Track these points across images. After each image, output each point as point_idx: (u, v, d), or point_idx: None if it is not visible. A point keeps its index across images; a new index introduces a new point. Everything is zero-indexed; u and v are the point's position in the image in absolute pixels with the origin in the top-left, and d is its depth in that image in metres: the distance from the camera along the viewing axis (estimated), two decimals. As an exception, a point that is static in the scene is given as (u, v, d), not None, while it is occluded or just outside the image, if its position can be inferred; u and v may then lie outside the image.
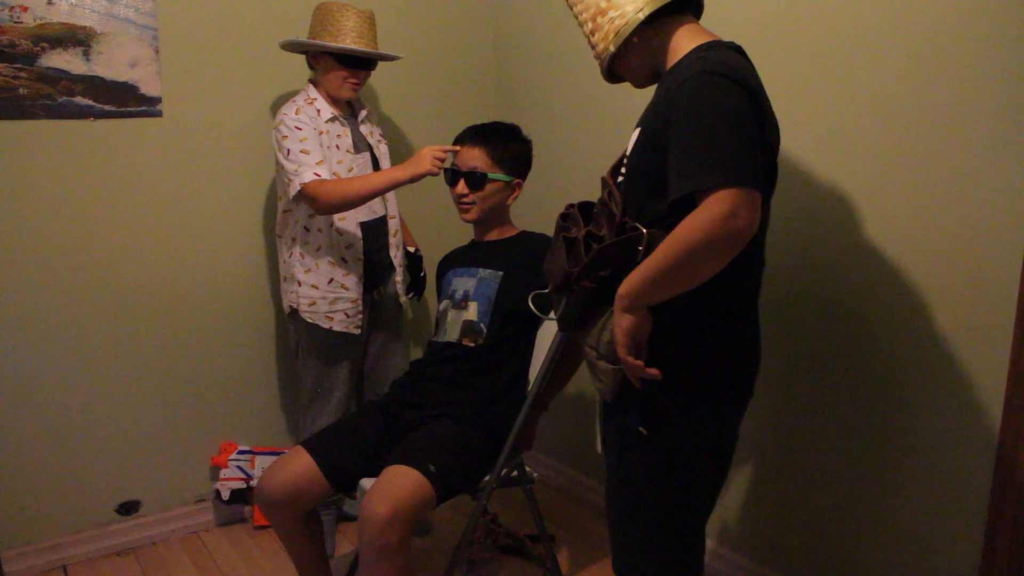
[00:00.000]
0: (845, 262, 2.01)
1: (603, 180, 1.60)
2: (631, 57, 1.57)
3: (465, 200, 2.20)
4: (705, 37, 1.51)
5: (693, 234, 1.32)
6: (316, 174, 2.25)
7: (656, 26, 1.52)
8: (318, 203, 2.26)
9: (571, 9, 1.64)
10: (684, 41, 1.51)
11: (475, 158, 2.19)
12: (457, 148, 2.22)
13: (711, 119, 1.35)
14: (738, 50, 1.51)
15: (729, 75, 1.37)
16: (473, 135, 2.23)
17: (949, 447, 1.85)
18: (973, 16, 1.71)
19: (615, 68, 1.61)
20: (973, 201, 1.75)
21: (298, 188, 2.25)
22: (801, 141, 2.04)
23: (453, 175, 2.21)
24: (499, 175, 2.20)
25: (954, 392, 1.83)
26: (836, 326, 2.05)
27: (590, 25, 1.58)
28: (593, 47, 1.60)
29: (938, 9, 1.76)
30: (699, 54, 1.45)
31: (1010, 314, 1.70)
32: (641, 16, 1.49)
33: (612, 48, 1.54)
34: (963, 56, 1.73)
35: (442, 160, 2.20)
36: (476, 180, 2.18)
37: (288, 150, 2.28)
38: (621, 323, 1.43)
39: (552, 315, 1.66)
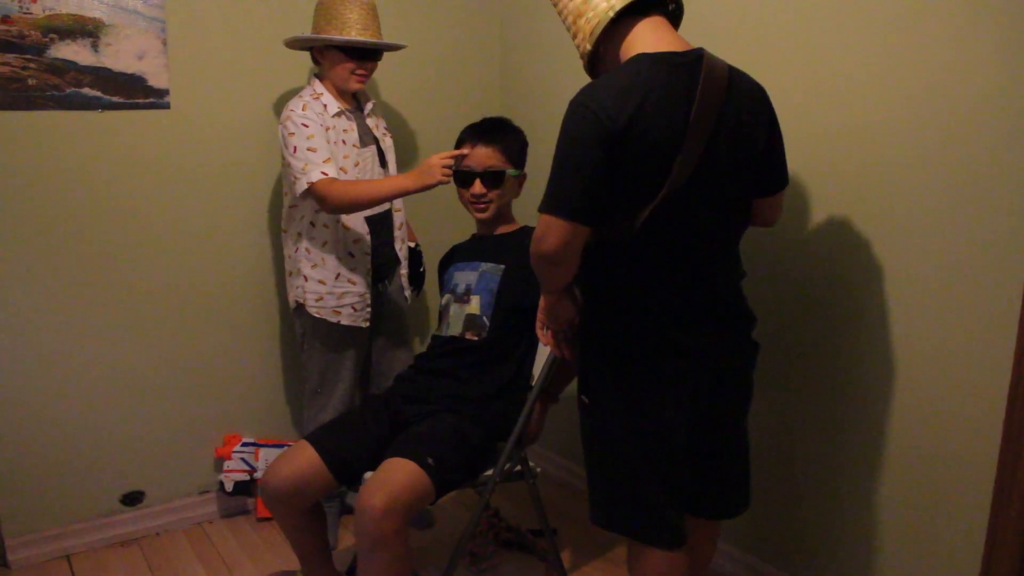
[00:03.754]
0: (842, 261, 2.00)
1: None
2: (606, 58, 1.65)
3: (484, 199, 2.19)
4: (654, 45, 1.57)
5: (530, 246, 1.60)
6: (323, 173, 2.24)
7: (620, 26, 1.60)
8: (325, 203, 2.25)
9: (559, 15, 1.72)
10: (635, 46, 1.59)
11: (490, 156, 2.18)
12: (465, 151, 2.20)
13: (560, 148, 1.53)
14: (662, 63, 1.53)
15: (591, 105, 1.49)
16: (482, 134, 2.21)
17: (951, 445, 1.84)
18: (974, 14, 1.70)
19: (596, 70, 1.69)
20: (976, 199, 1.74)
21: (305, 187, 2.25)
22: (797, 140, 2.03)
23: (466, 176, 2.19)
24: (512, 170, 2.21)
25: (956, 390, 1.82)
26: (835, 325, 2.04)
27: (572, 29, 1.67)
28: (576, 48, 1.68)
29: (937, 7, 1.75)
30: (599, 79, 1.58)
31: (1014, 310, 1.69)
32: (611, 14, 1.57)
33: (588, 47, 1.63)
34: (962, 52, 1.72)
35: (451, 168, 2.18)
36: (495, 178, 2.18)
37: (294, 147, 2.28)
38: (540, 301, 1.79)
39: None
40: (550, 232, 1.53)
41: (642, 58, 1.55)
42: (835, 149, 1.99)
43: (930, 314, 1.85)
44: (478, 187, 2.18)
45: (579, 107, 1.51)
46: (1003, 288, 1.71)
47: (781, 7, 2.07)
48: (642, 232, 1.56)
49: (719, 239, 1.66)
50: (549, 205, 1.54)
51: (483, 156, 2.18)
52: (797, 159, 2.05)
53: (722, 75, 1.56)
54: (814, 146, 2.03)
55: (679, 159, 1.52)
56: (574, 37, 1.66)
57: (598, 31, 1.59)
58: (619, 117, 1.47)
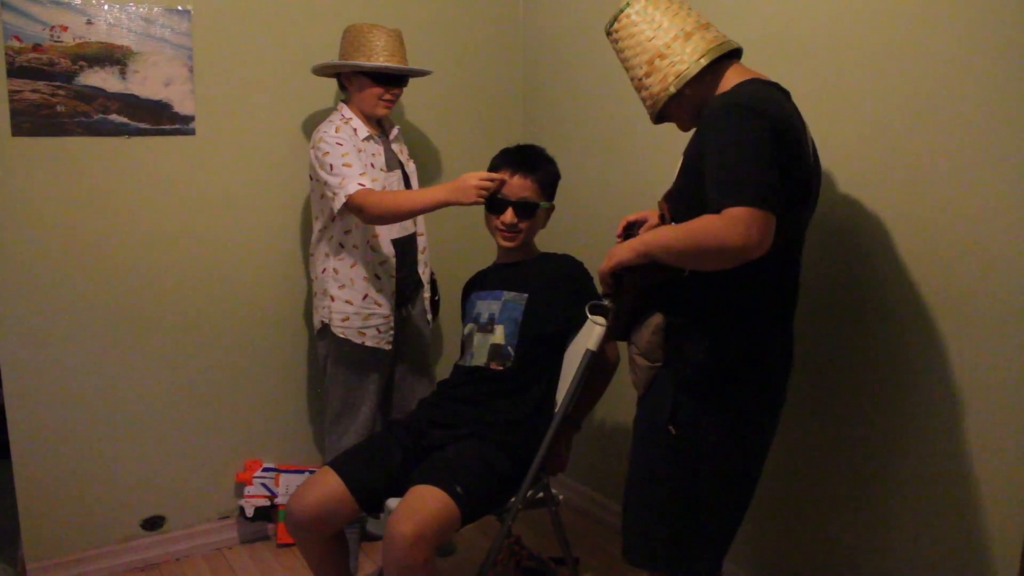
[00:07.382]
0: (852, 264, 2.00)
1: (659, 204, 1.73)
2: (684, 100, 1.67)
3: (515, 229, 2.19)
4: (749, 75, 1.64)
5: (707, 234, 1.44)
6: (361, 184, 2.26)
7: (710, 71, 1.64)
8: (365, 213, 2.26)
9: (619, 53, 1.73)
10: (730, 80, 1.63)
11: (526, 188, 2.18)
12: (503, 178, 2.18)
13: (731, 146, 1.47)
14: (777, 87, 1.62)
15: (748, 105, 1.49)
16: (519, 164, 2.20)
17: (965, 465, 1.82)
18: (980, 18, 1.71)
19: (666, 110, 1.71)
20: (983, 198, 1.73)
21: (343, 200, 2.26)
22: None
23: (500, 204, 2.18)
24: (545, 203, 2.22)
25: (967, 394, 1.80)
26: (847, 329, 2.03)
27: (644, 68, 1.67)
28: (646, 88, 1.69)
29: (950, 13, 1.76)
30: (734, 90, 1.58)
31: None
32: (704, 62, 1.62)
33: (673, 89, 1.64)
34: (965, 54, 1.73)
35: (487, 191, 2.17)
36: (528, 210, 2.18)
37: (331, 165, 2.30)
38: (619, 250, 1.63)
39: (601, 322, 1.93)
40: (755, 223, 1.39)
41: (755, 80, 1.61)
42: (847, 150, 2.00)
43: (944, 319, 1.83)
44: (510, 216, 2.17)
45: (738, 108, 1.49)
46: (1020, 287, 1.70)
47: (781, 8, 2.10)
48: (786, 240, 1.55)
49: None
50: (744, 196, 1.40)
51: (519, 186, 2.18)
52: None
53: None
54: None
55: (814, 162, 1.59)
56: (646, 76, 1.66)
57: (691, 73, 1.61)
58: (778, 117, 1.50)
